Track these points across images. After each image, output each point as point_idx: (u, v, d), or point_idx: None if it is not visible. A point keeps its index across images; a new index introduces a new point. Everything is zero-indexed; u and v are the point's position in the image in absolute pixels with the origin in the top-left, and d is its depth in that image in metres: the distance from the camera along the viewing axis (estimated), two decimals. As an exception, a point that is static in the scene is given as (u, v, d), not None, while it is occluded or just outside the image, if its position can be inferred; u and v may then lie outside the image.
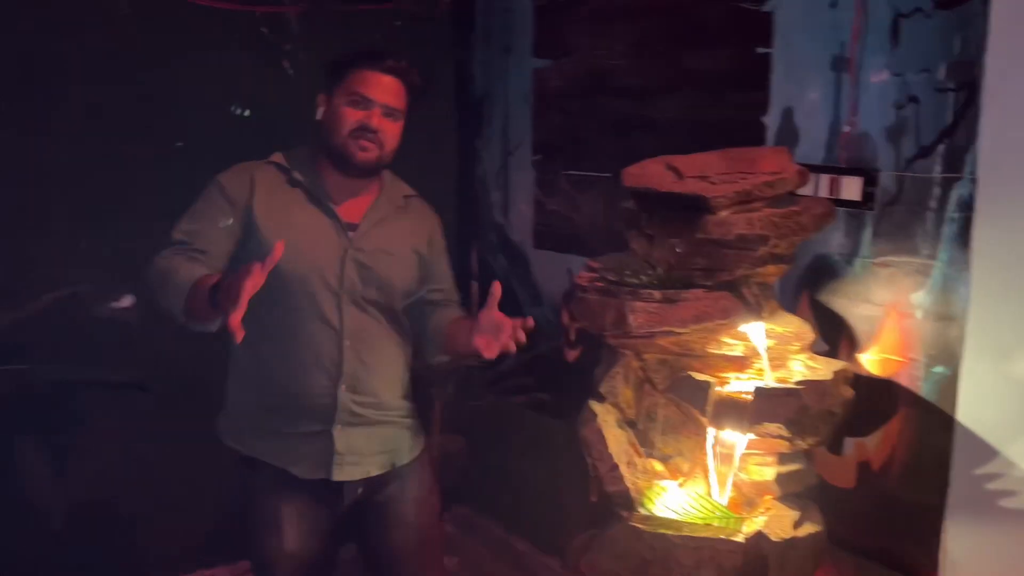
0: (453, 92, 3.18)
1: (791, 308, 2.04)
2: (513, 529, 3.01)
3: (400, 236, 2.05)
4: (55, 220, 2.48)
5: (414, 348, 2.14)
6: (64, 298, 2.24)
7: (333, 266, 1.95)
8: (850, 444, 1.99)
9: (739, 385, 1.85)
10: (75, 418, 2.46)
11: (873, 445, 1.94)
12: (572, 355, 2.75)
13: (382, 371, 2.03)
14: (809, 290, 2.05)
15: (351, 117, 1.92)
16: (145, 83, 2.57)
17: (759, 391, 1.76)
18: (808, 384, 1.76)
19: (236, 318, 1.52)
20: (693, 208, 1.82)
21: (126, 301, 2.62)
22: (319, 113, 1.98)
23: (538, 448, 2.85)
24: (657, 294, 1.81)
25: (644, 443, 1.98)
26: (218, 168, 2.66)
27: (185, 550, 2.75)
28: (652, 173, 1.91)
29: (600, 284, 1.90)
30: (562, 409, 2.82)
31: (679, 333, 1.80)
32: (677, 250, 1.86)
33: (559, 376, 2.81)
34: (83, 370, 2.02)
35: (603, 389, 1.95)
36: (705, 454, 1.91)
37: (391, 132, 1.96)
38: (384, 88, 1.93)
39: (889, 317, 1.90)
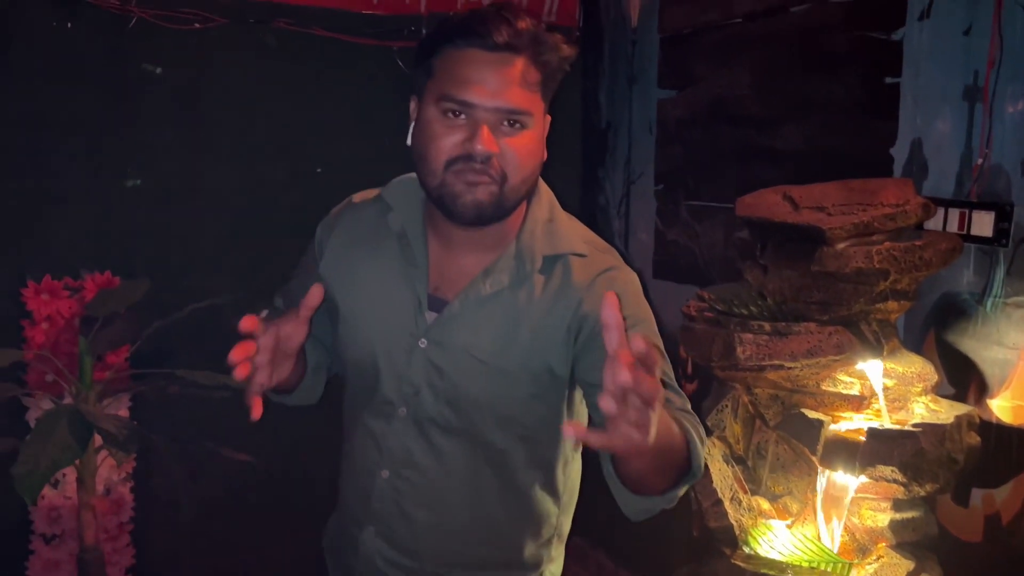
0: (580, 121, 3.23)
1: (916, 348, 1.95)
2: (621, 561, 2.98)
3: (513, 330, 1.25)
4: (202, 235, 2.68)
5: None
6: (205, 308, 2.41)
7: (397, 360, 1.29)
8: (978, 495, 1.86)
9: (854, 425, 1.78)
10: (209, 422, 2.64)
11: (1003, 498, 1.81)
12: (689, 388, 2.71)
13: (446, 528, 1.33)
14: (936, 329, 1.95)
15: (445, 140, 1.17)
16: (287, 112, 2.75)
17: (872, 432, 1.69)
18: (926, 427, 1.68)
19: (251, 393, 1.09)
20: (809, 239, 1.78)
21: (263, 314, 2.78)
22: (409, 133, 1.25)
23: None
24: (767, 326, 1.78)
25: (752, 480, 1.93)
26: (349, 190, 2.83)
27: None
28: (768, 203, 1.88)
29: (709, 314, 1.88)
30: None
31: (789, 367, 1.76)
32: (794, 282, 1.82)
33: (673, 408, 2.77)
34: (219, 377, 2.14)
35: (710, 422, 1.92)
36: (816, 495, 1.84)
37: (517, 153, 1.18)
38: (495, 79, 1.15)
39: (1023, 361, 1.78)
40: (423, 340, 1.27)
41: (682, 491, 1.15)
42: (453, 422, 1.28)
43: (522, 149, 1.18)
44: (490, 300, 1.25)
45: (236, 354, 1.05)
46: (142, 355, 2.48)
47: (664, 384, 1.15)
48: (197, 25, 2.60)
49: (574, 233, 1.30)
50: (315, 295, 1.12)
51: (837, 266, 1.74)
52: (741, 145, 2.49)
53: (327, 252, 1.36)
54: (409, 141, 1.25)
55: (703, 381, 2.65)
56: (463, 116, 1.16)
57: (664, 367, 1.23)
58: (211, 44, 2.63)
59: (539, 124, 1.21)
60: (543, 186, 1.33)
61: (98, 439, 2.12)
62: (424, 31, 2.92)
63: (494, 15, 1.17)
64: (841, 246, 1.74)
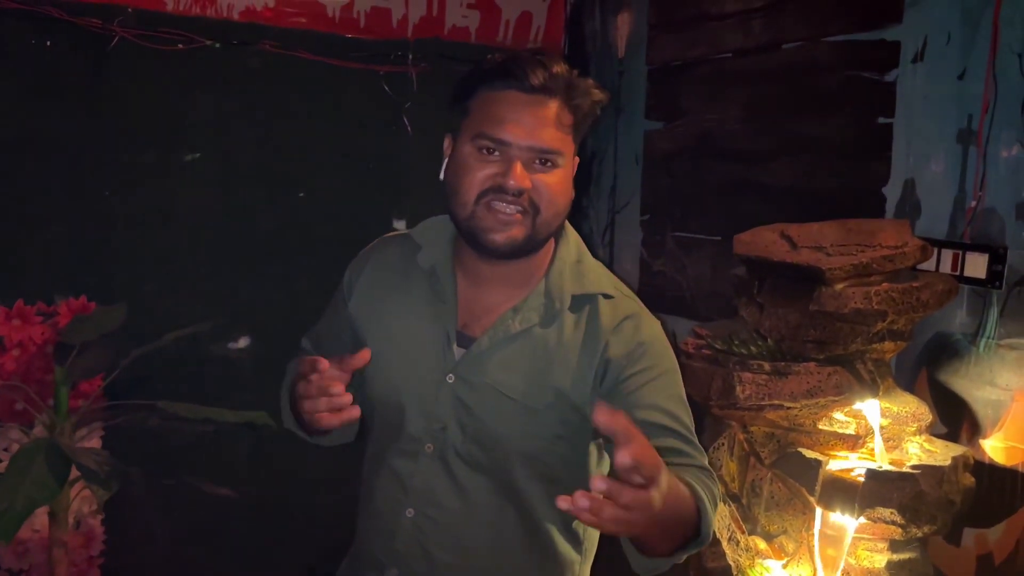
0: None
1: (908, 387, 1.96)
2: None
3: (543, 369, 1.25)
4: (180, 259, 2.62)
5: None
6: (185, 337, 2.35)
7: (425, 395, 1.28)
8: (970, 535, 1.87)
9: (851, 465, 1.78)
10: (186, 452, 2.57)
11: (996, 538, 1.82)
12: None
13: (467, 571, 1.30)
14: (928, 369, 1.96)
15: (478, 173, 1.20)
16: (271, 135, 2.70)
17: (871, 473, 1.69)
18: (925, 469, 1.68)
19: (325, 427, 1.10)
20: (807, 279, 1.79)
21: (242, 342, 2.73)
22: (442, 169, 1.28)
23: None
24: (767, 365, 1.77)
25: (747, 519, 1.92)
26: (337, 219, 2.80)
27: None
28: (765, 241, 1.88)
29: (707, 352, 1.87)
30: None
31: (789, 407, 1.75)
32: (790, 320, 1.82)
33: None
34: (203, 410, 2.08)
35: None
36: (810, 533, 1.84)
37: (549, 188, 1.20)
38: (529, 119, 1.19)
39: (1017, 403, 1.80)
40: (451, 376, 1.27)
41: (690, 552, 1.12)
42: (479, 459, 1.27)
43: (554, 186, 1.21)
44: (519, 337, 1.26)
45: (323, 403, 1.07)
46: (117, 383, 2.40)
47: (683, 437, 1.19)
48: (180, 46, 2.54)
49: (603, 275, 1.32)
50: (363, 357, 1.11)
51: (836, 306, 1.74)
52: (730, 179, 2.50)
53: (356, 290, 1.37)
54: (442, 176, 1.27)
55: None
56: (497, 153, 1.20)
57: (684, 418, 1.23)
58: (194, 65, 2.57)
59: (569, 164, 1.24)
60: (570, 228, 1.34)
61: (73, 471, 2.04)
62: (410, 56, 2.90)
63: (530, 59, 1.20)
64: (840, 286, 1.75)
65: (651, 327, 1.29)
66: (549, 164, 1.20)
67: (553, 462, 1.27)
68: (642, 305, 1.32)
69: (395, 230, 2.99)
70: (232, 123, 2.66)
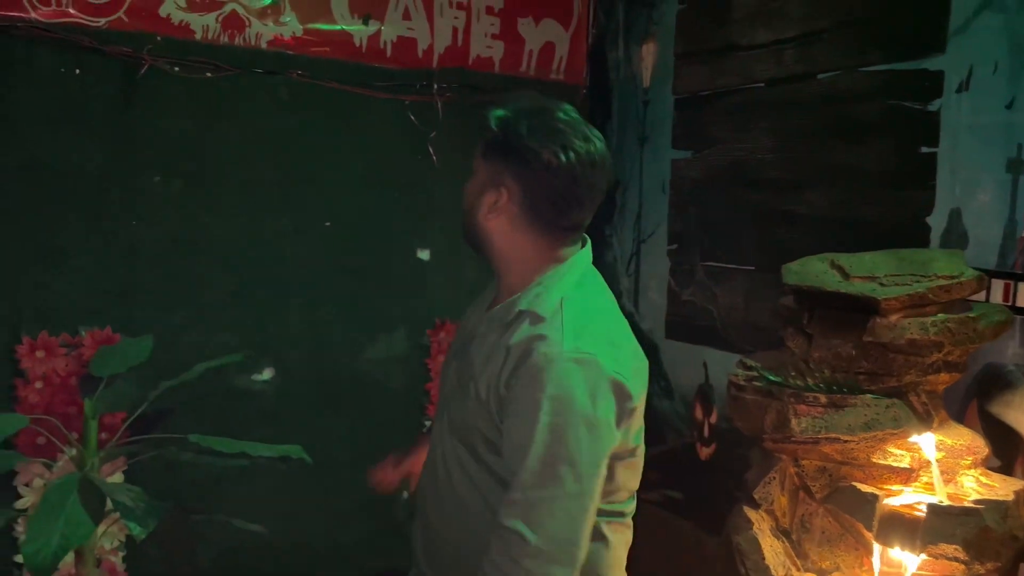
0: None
1: (957, 419, 1.93)
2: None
3: (480, 364, 1.41)
4: (207, 289, 2.58)
5: None
6: (212, 369, 2.30)
7: (445, 376, 1.54)
8: (1026, 570, 1.83)
9: (908, 500, 1.74)
10: (212, 488, 2.51)
11: (1054, 574, 1.78)
12: (705, 453, 2.66)
13: (453, 536, 1.44)
14: (979, 400, 1.93)
15: None
16: (297, 164, 2.68)
17: (933, 508, 1.65)
18: (988, 504, 1.65)
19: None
20: (860, 309, 1.76)
21: (266, 373, 2.68)
22: None
23: (668, 548, 2.74)
24: (823, 398, 1.74)
25: (798, 555, 1.87)
26: (362, 248, 2.77)
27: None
28: (815, 271, 1.86)
29: (758, 384, 1.84)
30: (693, 508, 2.72)
31: (846, 441, 1.72)
32: (841, 352, 1.80)
33: (690, 474, 2.72)
34: (239, 444, 2.02)
35: (757, 495, 1.87)
36: (864, 570, 1.80)
37: (466, 191, 1.44)
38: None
39: (1073, 435, 1.77)
40: (459, 354, 1.49)
41: None
42: (461, 431, 1.42)
43: (468, 189, 1.43)
44: (481, 335, 1.44)
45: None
46: (143, 416, 2.35)
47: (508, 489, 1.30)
48: (208, 75, 2.53)
49: (557, 300, 1.36)
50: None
51: (891, 337, 1.72)
52: (762, 208, 2.48)
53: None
54: None
55: (721, 444, 2.61)
56: None
57: (519, 472, 1.28)
58: (222, 94, 2.55)
59: (476, 175, 1.42)
60: (577, 262, 1.44)
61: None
62: (435, 86, 2.89)
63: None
64: (894, 317, 1.72)
65: (547, 358, 1.29)
66: (472, 176, 1.42)
67: (496, 440, 1.37)
68: (585, 349, 1.30)
69: (419, 259, 2.99)
70: (259, 152, 2.63)
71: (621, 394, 1.31)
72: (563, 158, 1.31)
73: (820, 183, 2.32)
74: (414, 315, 2.93)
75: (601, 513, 1.35)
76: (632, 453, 1.40)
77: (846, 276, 1.81)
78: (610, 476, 1.35)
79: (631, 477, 1.42)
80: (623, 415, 1.32)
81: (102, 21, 2.39)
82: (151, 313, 2.49)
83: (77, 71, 2.36)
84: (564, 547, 1.26)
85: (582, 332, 1.31)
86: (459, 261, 2.92)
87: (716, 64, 2.66)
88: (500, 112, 1.36)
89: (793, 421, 1.73)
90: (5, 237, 2.32)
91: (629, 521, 1.47)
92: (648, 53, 2.98)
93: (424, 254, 2.94)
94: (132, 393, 2.25)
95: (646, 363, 1.44)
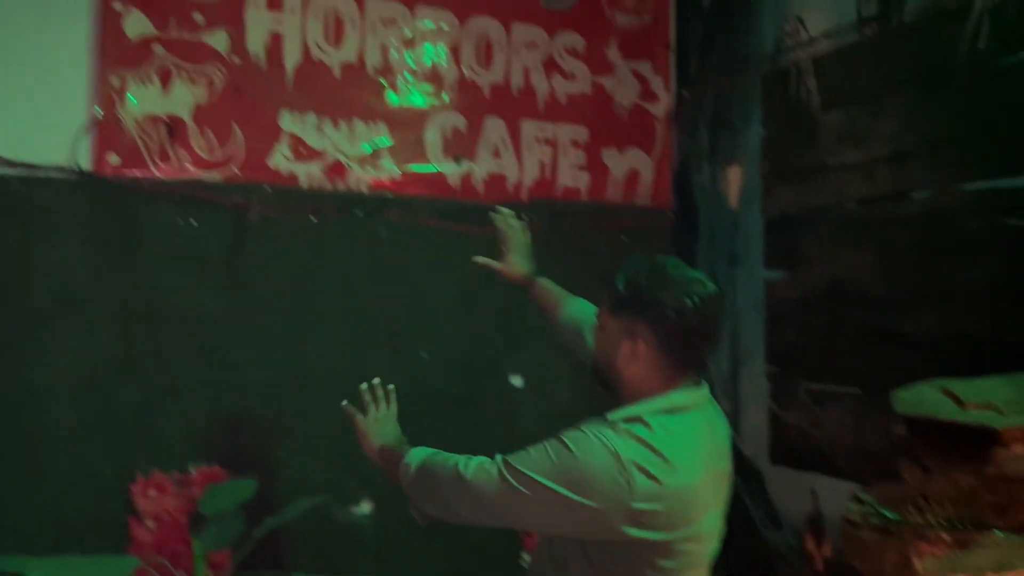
0: (678, 301, 3.20)
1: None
2: None
3: None
4: (308, 424, 2.64)
5: None
6: (314, 506, 2.34)
7: None
8: None
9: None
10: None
11: None
12: (820, 588, 2.52)
13: None
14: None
15: None
16: (396, 298, 2.77)
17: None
18: None
19: None
20: (980, 440, 1.68)
21: (364, 507, 2.70)
22: None
23: None
24: (946, 536, 1.64)
25: None
26: (458, 378, 2.82)
27: None
28: (927, 398, 1.79)
29: (875, 520, 1.75)
30: (810, 647, 2.56)
31: (976, 583, 1.61)
32: (962, 484, 1.70)
33: (806, 609, 2.57)
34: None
35: (882, 639, 1.75)
36: None
37: (595, 343, 1.70)
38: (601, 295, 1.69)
39: None
40: None
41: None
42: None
43: (599, 342, 1.65)
44: None
45: None
46: (249, 553, 2.39)
47: None
48: (313, 218, 2.67)
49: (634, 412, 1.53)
50: None
51: (1016, 468, 1.62)
52: (865, 329, 2.42)
53: None
54: None
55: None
56: None
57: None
58: (325, 235, 2.69)
59: (606, 328, 1.62)
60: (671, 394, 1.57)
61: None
62: (527, 218, 2.97)
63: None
64: (1019, 448, 1.63)
65: (567, 439, 1.51)
66: (599, 328, 1.64)
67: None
68: (602, 436, 1.48)
69: (512, 386, 3.00)
70: (359, 288, 2.74)
71: (623, 473, 1.43)
72: (689, 303, 1.52)
73: (925, 302, 2.25)
74: (509, 442, 2.92)
75: None
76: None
77: (961, 404, 1.73)
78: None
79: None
80: (620, 499, 1.43)
81: (217, 175, 2.57)
82: (256, 448, 2.57)
83: (194, 222, 2.54)
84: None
85: (628, 434, 1.47)
86: (551, 387, 2.93)
87: (805, 184, 2.66)
88: (625, 275, 1.59)
89: (916, 562, 1.63)
90: (127, 378, 2.45)
91: None
92: (734, 175, 3.01)
93: (517, 380, 2.96)
94: (238, 530, 2.30)
95: (682, 494, 1.49)
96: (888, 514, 1.71)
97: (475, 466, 1.59)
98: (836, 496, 2.45)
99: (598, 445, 1.46)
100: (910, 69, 2.32)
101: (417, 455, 1.73)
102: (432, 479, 1.65)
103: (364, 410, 1.96)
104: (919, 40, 2.30)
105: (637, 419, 1.50)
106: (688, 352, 1.57)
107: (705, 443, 1.58)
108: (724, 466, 1.64)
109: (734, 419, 2.95)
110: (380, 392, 2.00)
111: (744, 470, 2.88)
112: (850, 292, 2.48)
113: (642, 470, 1.44)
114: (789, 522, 2.67)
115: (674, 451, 1.48)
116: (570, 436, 1.51)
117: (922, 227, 2.26)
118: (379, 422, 1.95)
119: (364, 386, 2.00)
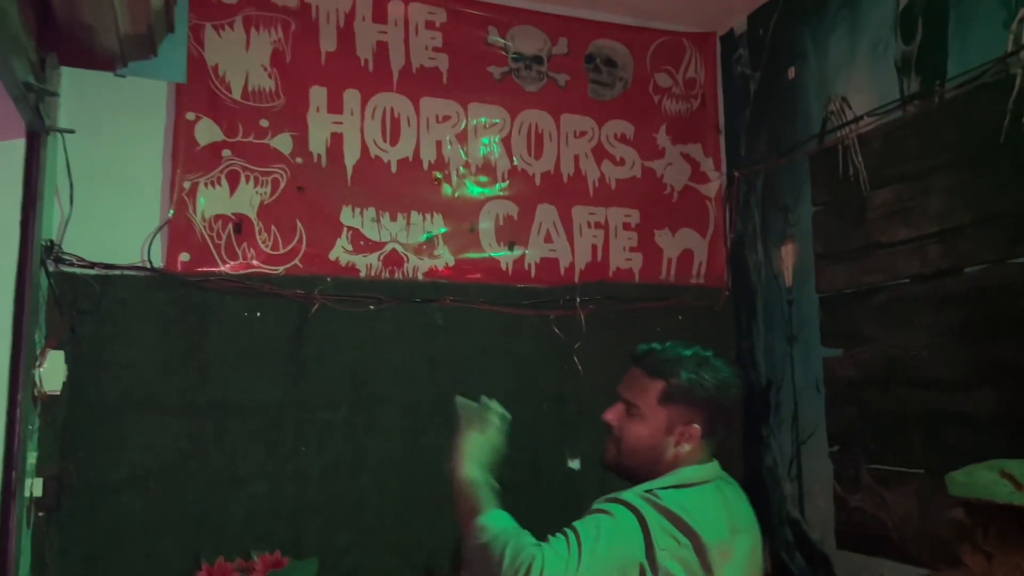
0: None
1: None
2: None
3: None
4: (367, 510, 2.68)
5: None
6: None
7: None
8: None
9: None
10: None
11: None
12: None
13: None
14: None
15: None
16: (452, 382, 2.82)
17: None
18: None
19: None
20: (1042, 524, 1.62)
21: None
22: None
23: None
24: (1011, 627, 1.57)
25: None
26: (515, 462, 2.82)
27: None
28: (983, 481, 1.74)
29: (936, 610, 1.69)
30: None
31: None
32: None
33: None
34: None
35: None
36: None
37: (629, 431, 1.81)
38: (632, 383, 1.85)
39: None
40: None
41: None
42: None
43: (633, 430, 1.82)
44: None
45: None
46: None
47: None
48: (371, 307, 2.76)
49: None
50: None
51: (1082, 555, 1.55)
52: (926, 408, 2.36)
53: None
54: None
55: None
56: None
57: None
58: (383, 323, 2.77)
59: (649, 418, 1.79)
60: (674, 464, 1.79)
61: None
62: (578, 300, 3.02)
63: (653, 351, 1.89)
64: (1084, 532, 1.57)
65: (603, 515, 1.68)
66: (632, 414, 1.83)
67: None
68: (634, 512, 1.65)
69: (570, 469, 3.00)
70: (416, 374, 2.80)
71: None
72: (735, 392, 1.77)
73: (987, 381, 2.19)
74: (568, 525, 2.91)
75: None
76: None
77: (1019, 486, 1.67)
78: None
79: None
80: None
81: (280, 269, 2.70)
82: (316, 535, 2.62)
83: (258, 314, 2.66)
84: None
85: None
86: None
87: (857, 262, 2.65)
88: (687, 373, 1.76)
89: (980, 654, 1.56)
90: (193, 468, 2.54)
91: None
92: (788, 253, 3.01)
93: (574, 463, 2.96)
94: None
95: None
96: (948, 604, 1.65)
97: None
98: (906, 583, 2.36)
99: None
100: (955, 144, 2.32)
101: (496, 522, 1.71)
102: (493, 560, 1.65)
103: (471, 422, 1.91)
104: (963, 115, 2.30)
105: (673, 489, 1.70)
106: (718, 432, 1.79)
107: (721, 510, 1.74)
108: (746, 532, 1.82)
109: (798, 502, 2.88)
110: (493, 415, 1.94)
111: (810, 555, 2.79)
112: (907, 371, 2.43)
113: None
114: (860, 612, 2.57)
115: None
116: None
117: (975, 303, 2.22)
118: (478, 446, 1.88)
119: (481, 401, 1.97)
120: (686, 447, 1.78)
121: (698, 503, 1.67)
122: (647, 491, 1.69)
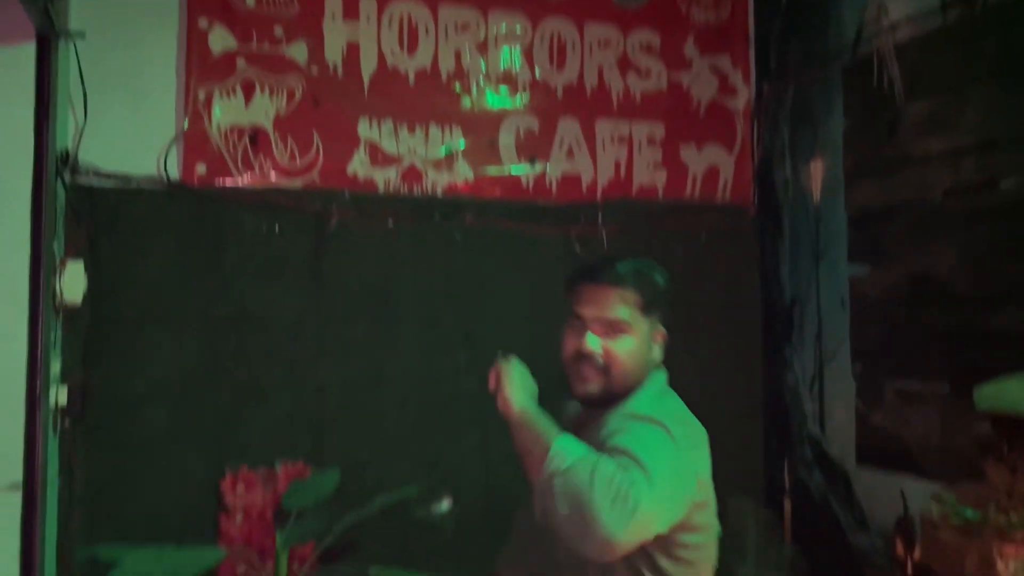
0: (760, 300, 3.13)
1: None
2: None
3: None
4: (387, 425, 2.71)
5: None
6: (393, 502, 2.38)
7: None
8: None
9: None
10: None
11: None
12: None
13: None
14: None
15: (568, 345, 1.66)
16: (472, 300, 2.81)
17: None
18: None
19: None
20: (1070, 438, 1.59)
21: (444, 505, 2.74)
22: None
23: None
24: (1032, 539, 1.56)
25: None
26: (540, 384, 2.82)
27: None
28: (1012, 395, 1.71)
29: (955, 521, 1.68)
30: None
31: (1066, 589, 1.52)
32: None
33: (894, 616, 2.47)
34: (414, 574, 2.07)
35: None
36: None
37: (618, 351, 1.60)
38: (599, 301, 1.62)
39: None
40: None
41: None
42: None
43: (621, 349, 1.62)
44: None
45: None
46: (330, 548, 2.46)
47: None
48: (390, 223, 2.73)
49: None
50: None
51: (1111, 469, 1.53)
52: (952, 326, 2.32)
53: None
54: None
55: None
56: (577, 329, 1.66)
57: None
58: (402, 240, 2.75)
59: (634, 331, 1.63)
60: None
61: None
62: (600, 217, 2.96)
63: (606, 264, 1.70)
64: (1113, 446, 1.54)
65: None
66: (613, 332, 1.62)
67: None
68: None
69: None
70: (435, 291, 2.79)
71: None
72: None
73: (1015, 299, 2.14)
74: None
75: None
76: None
77: (1049, 400, 1.64)
78: None
79: None
80: None
81: (298, 182, 2.67)
82: (338, 447, 2.64)
83: (277, 229, 2.63)
84: None
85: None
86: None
87: (888, 177, 2.57)
88: (662, 273, 1.70)
89: (999, 563, 1.55)
90: (215, 381, 2.56)
91: None
92: (816, 170, 2.93)
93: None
94: (319, 525, 2.36)
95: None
96: (969, 514, 1.63)
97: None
98: (926, 498, 2.35)
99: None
100: (996, 55, 2.21)
101: (571, 445, 1.49)
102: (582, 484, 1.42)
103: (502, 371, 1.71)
104: (1005, 24, 2.19)
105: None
106: None
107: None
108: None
109: (819, 419, 2.87)
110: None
111: (830, 471, 2.79)
112: (935, 288, 2.38)
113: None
114: (877, 525, 2.58)
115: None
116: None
117: (1009, 218, 2.15)
118: (524, 376, 1.70)
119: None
120: (659, 352, 1.69)
121: (679, 402, 1.66)
122: (654, 402, 1.61)
